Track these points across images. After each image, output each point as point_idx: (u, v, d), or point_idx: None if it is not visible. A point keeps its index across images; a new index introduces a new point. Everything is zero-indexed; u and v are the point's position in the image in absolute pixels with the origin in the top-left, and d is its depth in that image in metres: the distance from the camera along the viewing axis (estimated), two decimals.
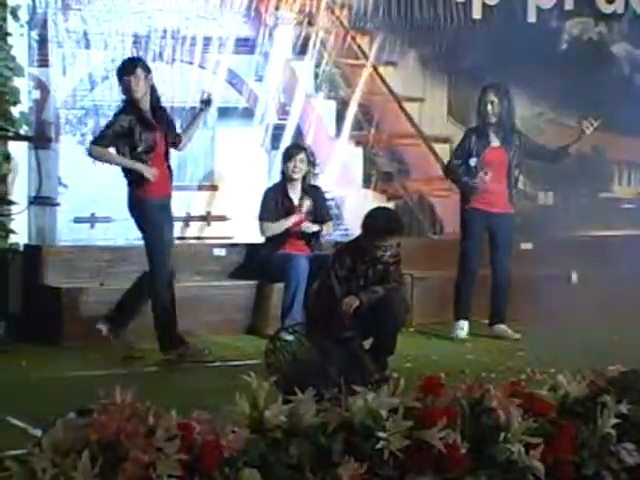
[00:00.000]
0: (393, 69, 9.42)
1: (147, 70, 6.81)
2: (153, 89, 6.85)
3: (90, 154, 6.87)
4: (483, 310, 7.94)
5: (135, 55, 7.67)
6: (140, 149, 6.68)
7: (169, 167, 6.95)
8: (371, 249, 6.21)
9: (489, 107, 7.67)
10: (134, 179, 6.74)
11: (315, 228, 7.94)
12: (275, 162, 8.58)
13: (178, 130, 7.24)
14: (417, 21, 9.38)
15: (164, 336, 6.81)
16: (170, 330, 6.84)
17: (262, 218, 7.95)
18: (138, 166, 6.68)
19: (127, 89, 6.73)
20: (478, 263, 7.81)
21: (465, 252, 7.80)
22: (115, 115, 6.85)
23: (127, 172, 6.76)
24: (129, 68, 6.77)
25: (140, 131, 6.67)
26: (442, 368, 6.02)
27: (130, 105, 6.75)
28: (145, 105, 6.77)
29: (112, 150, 6.78)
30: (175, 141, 7.07)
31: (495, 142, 7.76)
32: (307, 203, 7.94)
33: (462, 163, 7.75)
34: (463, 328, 7.74)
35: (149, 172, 6.69)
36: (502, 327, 7.79)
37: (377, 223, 6.25)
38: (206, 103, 7.19)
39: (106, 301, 7.13)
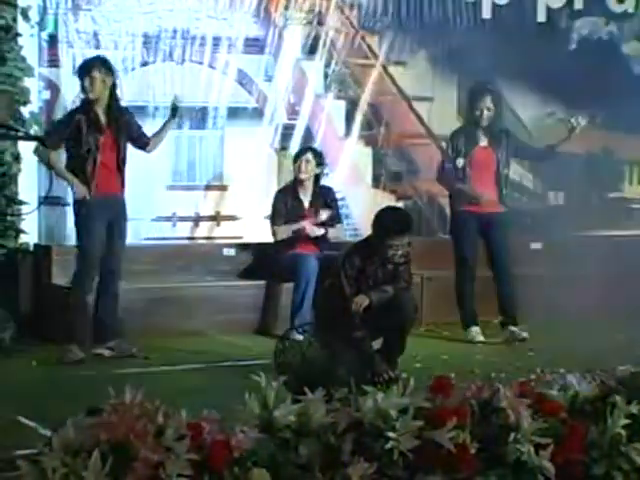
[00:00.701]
0: (403, 69, 9.42)
1: (107, 71, 6.81)
2: (113, 89, 6.85)
3: (34, 153, 6.89)
4: (492, 309, 7.92)
5: (98, 55, 7.57)
6: (86, 149, 6.70)
7: (119, 169, 6.89)
8: (381, 249, 6.21)
9: (485, 112, 7.65)
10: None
11: (320, 232, 7.91)
12: (283, 163, 8.58)
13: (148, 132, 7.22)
14: (427, 21, 9.37)
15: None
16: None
17: (273, 222, 7.94)
18: (70, 179, 6.78)
19: (82, 89, 6.76)
20: (476, 265, 7.79)
21: (462, 256, 7.76)
22: (67, 115, 6.87)
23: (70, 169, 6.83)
24: (85, 69, 6.80)
25: (87, 132, 6.69)
26: (452, 368, 6.02)
27: (83, 105, 6.79)
28: (100, 106, 6.78)
29: (60, 150, 6.83)
30: (140, 143, 7.05)
31: (483, 142, 7.75)
32: (323, 214, 7.90)
33: (450, 165, 7.74)
34: (478, 332, 7.71)
35: (79, 190, 6.76)
36: (512, 329, 7.75)
37: (387, 222, 6.24)
38: (173, 110, 7.13)
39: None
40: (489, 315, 7.93)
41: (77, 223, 6.91)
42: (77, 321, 6.87)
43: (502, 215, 7.85)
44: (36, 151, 6.86)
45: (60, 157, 6.85)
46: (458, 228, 7.81)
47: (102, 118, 6.77)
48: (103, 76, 6.74)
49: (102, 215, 6.82)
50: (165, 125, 7.22)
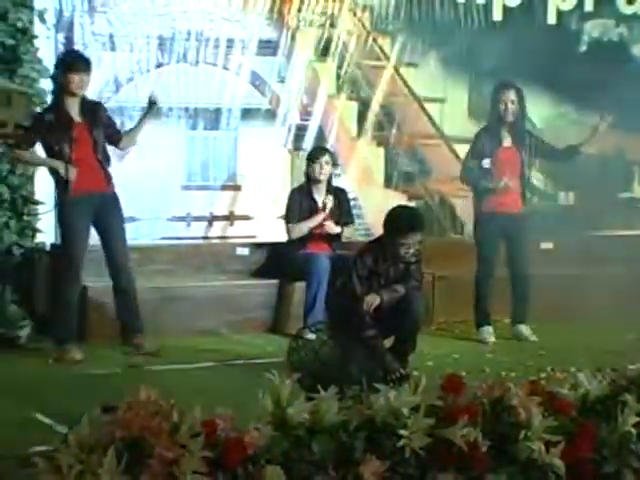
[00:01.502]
0: (414, 70, 9.41)
1: (89, 66, 6.75)
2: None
3: (7, 160, 6.86)
4: (504, 309, 7.90)
5: (78, 51, 7.52)
6: (59, 146, 6.64)
7: (101, 165, 6.82)
8: (393, 247, 6.20)
9: (509, 106, 7.61)
10: (55, 176, 6.73)
11: (337, 230, 7.92)
12: (296, 163, 8.58)
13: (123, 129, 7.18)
14: (438, 22, 9.36)
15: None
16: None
17: (288, 220, 7.94)
18: (56, 164, 6.66)
19: (70, 85, 6.64)
20: (496, 266, 7.77)
21: (484, 255, 7.72)
22: (40, 112, 6.82)
23: (50, 169, 6.75)
24: (76, 65, 6.69)
25: (62, 127, 6.64)
26: (463, 367, 6.02)
27: (55, 100, 6.74)
28: (71, 102, 6.72)
29: (37, 146, 6.77)
30: (113, 139, 6.96)
31: (507, 142, 7.71)
32: (330, 201, 7.92)
33: (475, 165, 7.70)
34: (490, 332, 7.69)
35: (70, 173, 6.63)
36: (522, 327, 7.75)
37: (398, 220, 6.23)
38: (150, 104, 7.00)
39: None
40: (500, 314, 7.92)
41: (59, 221, 6.87)
42: (65, 321, 6.81)
43: (523, 215, 7.83)
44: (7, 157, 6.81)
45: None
46: (481, 229, 7.77)
47: (74, 113, 6.72)
48: (88, 71, 6.71)
49: (84, 213, 6.73)
50: (140, 122, 7.10)
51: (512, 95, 7.61)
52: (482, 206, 7.73)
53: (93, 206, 6.78)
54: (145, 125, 7.07)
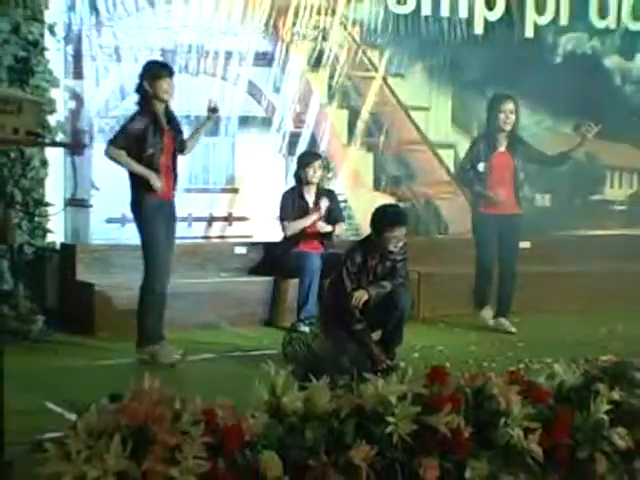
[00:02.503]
0: (401, 80, 9.40)
1: (172, 73, 6.64)
2: None
3: (106, 153, 6.66)
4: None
5: (162, 61, 7.45)
6: (150, 151, 6.50)
7: (174, 170, 6.67)
8: (381, 242, 6.20)
9: (509, 115, 7.60)
10: (139, 181, 6.50)
11: (329, 228, 7.94)
12: (290, 167, 8.56)
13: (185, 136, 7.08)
14: (423, 36, 9.36)
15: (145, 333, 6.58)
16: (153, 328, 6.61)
17: (283, 219, 7.95)
18: (147, 174, 6.44)
19: (160, 91, 6.49)
20: (494, 263, 7.76)
21: (482, 255, 7.72)
22: (131, 117, 6.67)
23: (133, 174, 6.53)
24: (162, 72, 6.54)
25: (152, 134, 6.55)
26: (447, 358, 6.03)
27: (145, 108, 6.53)
28: (160, 109, 6.57)
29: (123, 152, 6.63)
30: (181, 146, 6.81)
31: (501, 147, 7.72)
32: (324, 203, 7.94)
33: (470, 168, 7.72)
34: (490, 312, 7.76)
35: (156, 182, 6.45)
36: (502, 320, 7.76)
37: (384, 216, 6.24)
38: (213, 111, 6.92)
39: (135, 295, 7.12)
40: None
41: (143, 224, 6.57)
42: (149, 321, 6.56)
43: (518, 216, 7.82)
44: (107, 152, 6.65)
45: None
46: (479, 229, 7.78)
47: (163, 120, 6.57)
48: (173, 79, 6.61)
49: (163, 216, 6.58)
50: (200, 127, 7.04)
51: (511, 106, 7.65)
52: (478, 206, 7.77)
53: (169, 210, 6.65)
54: (204, 131, 7.06)
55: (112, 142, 6.52)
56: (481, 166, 7.66)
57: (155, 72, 6.57)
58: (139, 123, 6.47)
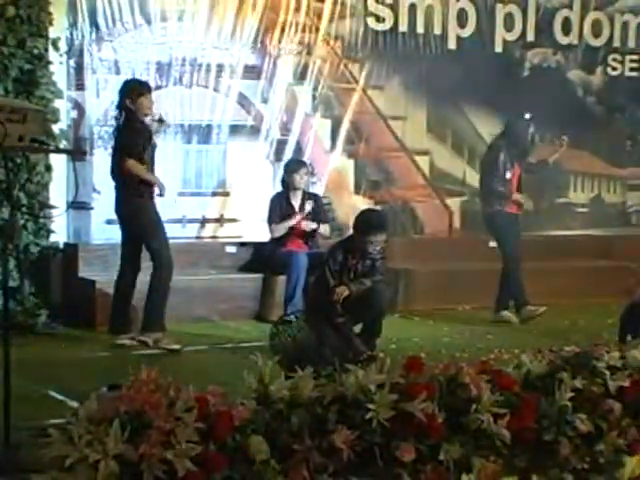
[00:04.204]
0: (380, 92, 9.40)
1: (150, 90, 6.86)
2: None
3: (124, 167, 6.71)
4: (457, 297, 7.91)
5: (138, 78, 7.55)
6: (149, 160, 6.64)
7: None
8: (361, 245, 6.21)
9: (529, 136, 8.15)
10: (142, 187, 6.61)
11: (314, 226, 7.93)
12: (277, 173, 8.56)
13: None
14: (400, 51, 9.37)
15: (150, 320, 6.68)
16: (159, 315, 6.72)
17: (270, 221, 7.95)
18: (160, 182, 6.68)
19: (142, 107, 6.63)
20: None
21: (508, 248, 7.89)
22: (129, 132, 6.72)
23: (140, 181, 6.60)
24: (144, 88, 6.75)
25: (149, 144, 6.64)
26: (422, 349, 6.03)
27: (135, 122, 6.64)
28: (147, 120, 6.74)
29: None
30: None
31: (517, 159, 8.00)
32: (308, 206, 7.95)
33: (500, 176, 7.90)
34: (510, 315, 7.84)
35: (163, 187, 6.69)
36: (529, 308, 7.82)
37: (368, 222, 6.24)
38: (159, 122, 7.02)
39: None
40: (453, 303, 7.95)
41: (146, 219, 6.69)
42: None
43: (519, 216, 8.07)
44: (127, 166, 6.71)
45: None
46: (502, 225, 7.97)
47: (153, 129, 6.79)
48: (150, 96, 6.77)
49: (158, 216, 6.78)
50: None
51: (532, 128, 8.23)
52: (501, 206, 7.92)
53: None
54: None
55: (129, 156, 6.55)
56: (508, 174, 7.88)
57: (136, 90, 6.64)
58: (138, 136, 6.58)
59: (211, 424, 2.99)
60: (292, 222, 7.88)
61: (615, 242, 9.92)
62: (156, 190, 6.68)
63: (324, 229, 8.04)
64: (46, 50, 7.61)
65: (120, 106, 6.70)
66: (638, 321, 5.26)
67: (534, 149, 8.22)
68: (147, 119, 6.74)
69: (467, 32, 9.63)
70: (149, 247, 6.69)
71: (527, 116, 8.27)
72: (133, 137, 6.61)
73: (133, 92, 6.66)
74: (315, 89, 9.06)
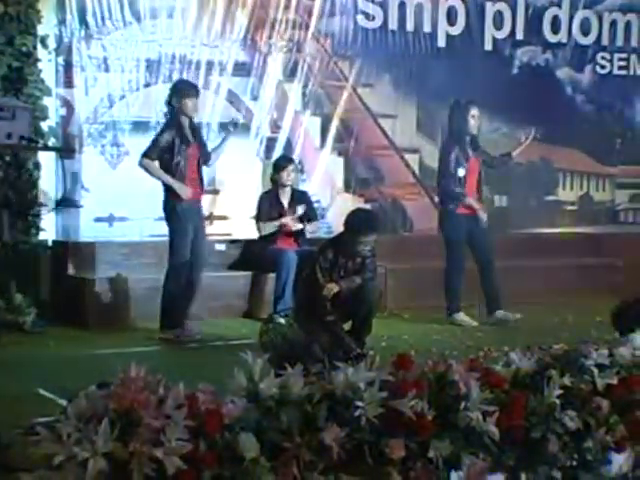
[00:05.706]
0: (370, 90, 9.41)
1: (198, 92, 6.96)
2: None
3: (140, 165, 6.82)
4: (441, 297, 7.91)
5: (190, 81, 7.60)
6: (177, 160, 6.67)
7: (200, 178, 6.97)
8: (352, 244, 6.21)
9: (473, 120, 7.60)
10: (169, 188, 6.76)
11: (300, 226, 7.93)
12: (267, 170, 8.55)
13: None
14: (390, 49, 9.38)
15: (168, 317, 6.80)
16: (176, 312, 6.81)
17: (258, 219, 7.95)
18: (176, 185, 6.72)
19: (186, 108, 6.75)
20: (465, 259, 7.73)
21: (454, 252, 7.66)
22: (160, 130, 6.85)
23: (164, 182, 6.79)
24: (191, 91, 6.85)
25: (179, 145, 6.68)
26: (412, 347, 6.04)
27: (173, 122, 6.75)
28: (185, 123, 6.79)
29: (156, 163, 6.79)
30: (205, 158, 7.07)
31: (472, 154, 7.71)
32: (300, 209, 7.94)
33: (451, 174, 7.59)
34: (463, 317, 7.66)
35: (184, 192, 6.74)
36: (501, 313, 7.68)
37: (359, 223, 6.24)
38: (234, 126, 7.35)
39: (122, 289, 7.10)
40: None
41: (172, 224, 6.85)
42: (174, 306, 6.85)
43: (478, 218, 7.76)
44: (140, 163, 6.78)
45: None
46: (451, 227, 7.70)
47: (188, 132, 6.81)
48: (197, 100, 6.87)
49: (191, 218, 6.85)
50: (224, 140, 7.30)
51: (474, 111, 7.62)
52: (451, 206, 7.67)
53: (197, 212, 6.97)
54: (225, 145, 7.27)
55: (145, 154, 6.72)
56: (461, 171, 7.59)
57: (184, 91, 6.77)
58: (167, 135, 6.72)
59: (201, 422, 2.99)
60: (280, 222, 7.88)
61: (604, 240, 9.95)
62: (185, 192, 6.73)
63: (313, 228, 8.04)
64: (35, 47, 7.60)
65: (168, 103, 6.88)
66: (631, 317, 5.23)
67: (479, 136, 7.74)
68: (187, 122, 6.80)
69: (457, 30, 9.64)
70: (169, 245, 6.84)
71: (465, 100, 7.75)
72: (159, 135, 6.76)
73: (180, 92, 6.83)
74: (305, 86, 9.07)
